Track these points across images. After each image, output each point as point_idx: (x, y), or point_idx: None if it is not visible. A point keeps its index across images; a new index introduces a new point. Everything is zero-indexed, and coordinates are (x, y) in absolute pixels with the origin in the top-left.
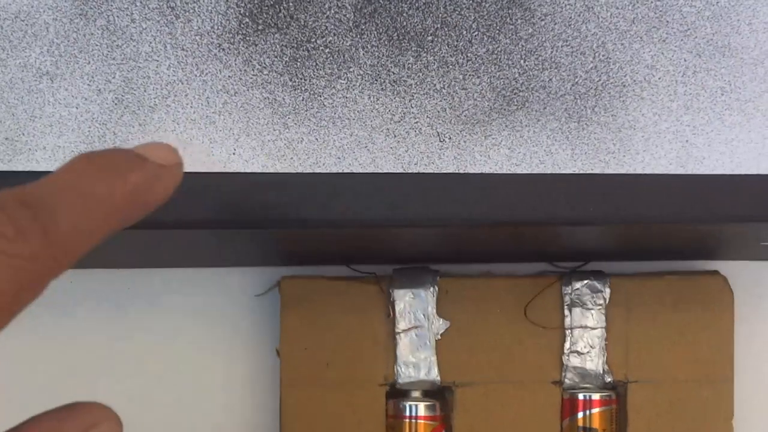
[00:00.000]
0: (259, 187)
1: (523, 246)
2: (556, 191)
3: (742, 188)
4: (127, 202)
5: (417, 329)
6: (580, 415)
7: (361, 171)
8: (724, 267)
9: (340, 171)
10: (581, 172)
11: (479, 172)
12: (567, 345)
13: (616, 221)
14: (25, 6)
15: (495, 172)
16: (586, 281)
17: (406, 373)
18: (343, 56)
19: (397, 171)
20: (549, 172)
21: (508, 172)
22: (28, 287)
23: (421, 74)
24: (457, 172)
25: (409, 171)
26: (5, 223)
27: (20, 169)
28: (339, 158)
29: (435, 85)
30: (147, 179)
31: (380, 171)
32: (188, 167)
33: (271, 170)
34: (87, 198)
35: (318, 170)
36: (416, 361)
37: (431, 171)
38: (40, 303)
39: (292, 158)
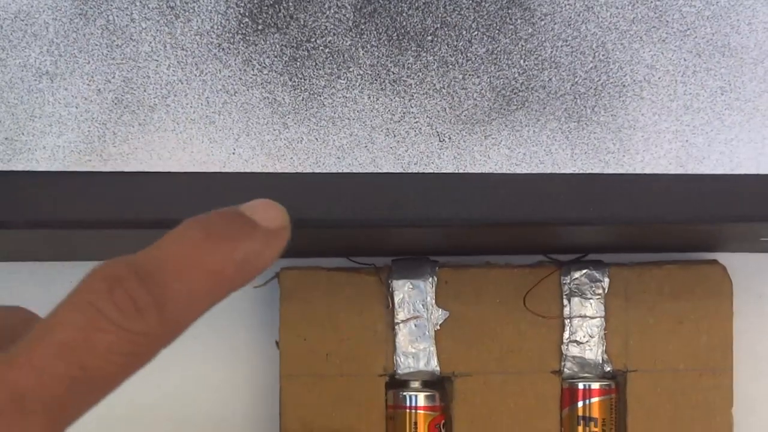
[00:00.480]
0: (259, 187)
1: (523, 242)
2: (556, 191)
3: (742, 188)
4: (237, 271)
5: (416, 320)
6: (580, 404)
7: (360, 171)
8: (723, 258)
9: (340, 171)
10: (581, 171)
11: (479, 171)
12: (566, 334)
13: (615, 221)
14: (24, 6)
15: (495, 172)
16: (585, 271)
17: (405, 364)
18: (343, 56)
19: (397, 171)
20: (549, 171)
21: (508, 171)
22: (139, 361)
23: (420, 74)
24: (456, 171)
25: (409, 171)
26: (125, 300)
27: (20, 168)
28: (339, 158)
29: (435, 84)
30: (258, 249)
31: (380, 171)
32: (188, 167)
33: (271, 170)
34: (198, 270)
35: (318, 170)
36: (415, 351)
37: (431, 171)
38: (40, 300)
39: (292, 158)
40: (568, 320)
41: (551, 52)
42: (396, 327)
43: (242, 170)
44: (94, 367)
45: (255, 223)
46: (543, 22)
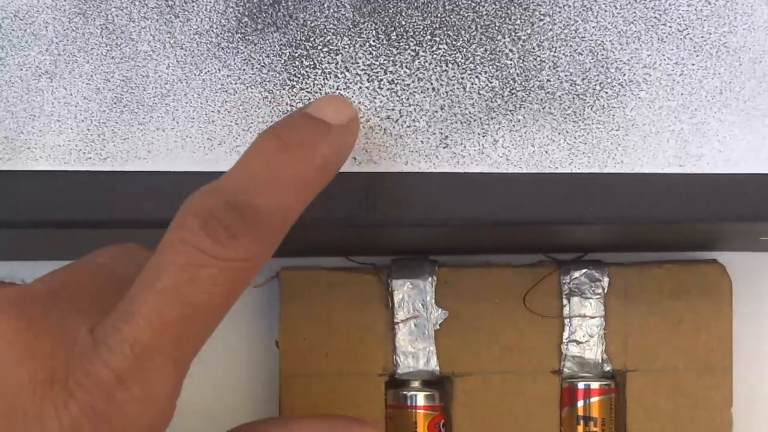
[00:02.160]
0: None
1: (522, 242)
2: (555, 191)
3: (741, 187)
4: (319, 174)
5: (416, 319)
6: (580, 403)
7: (359, 171)
8: (723, 258)
9: (339, 170)
10: (579, 171)
11: (477, 171)
12: (566, 334)
13: (614, 221)
14: (24, 5)
15: (493, 172)
16: (584, 270)
17: (405, 363)
18: (342, 55)
19: (395, 170)
20: (547, 171)
21: (507, 171)
22: (243, 285)
23: (419, 73)
24: (455, 171)
25: (407, 170)
26: (220, 230)
27: (19, 168)
28: None
29: (433, 84)
30: (334, 147)
31: (379, 171)
32: (187, 166)
33: None
34: (283, 183)
35: None
36: (415, 351)
37: (429, 170)
38: None
39: None
40: (568, 320)
41: (550, 52)
42: (396, 327)
43: None
44: (202, 302)
45: (326, 122)
46: (542, 22)
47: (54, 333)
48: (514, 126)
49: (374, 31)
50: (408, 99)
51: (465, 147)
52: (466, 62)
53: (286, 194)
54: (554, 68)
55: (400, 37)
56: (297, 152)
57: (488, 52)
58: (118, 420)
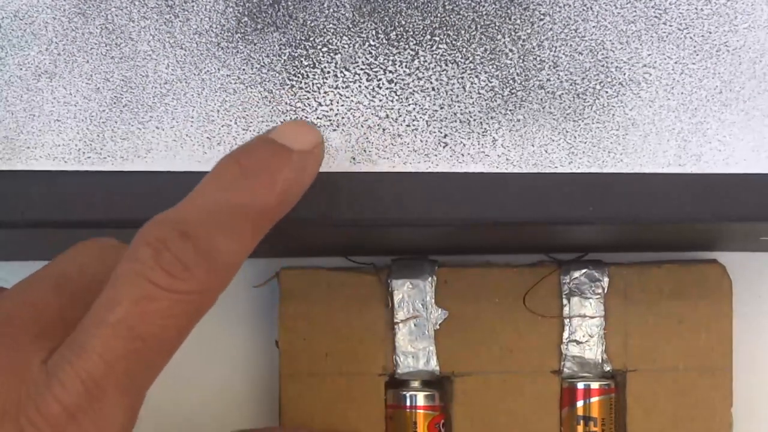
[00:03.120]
0: None
1: (522, 242)
2: (554, 190)
3: (741, 187)
4: (278, 202)
5: (416, 319)
6: (580, 404)
7: (358, 170)
8: (723, 258)
9: (339, 170)
10: (579, 171)
11: (477, 171)
12: (566, 334)
13: (615, 221)
14: (24, 5)
15: (493, 171)
16: (584, 270)
17: (405, 363)
18: (341, 55)
19: (395, 170)
20: (547, 171)
21: (506, 171)
22: (197, 317)
23: (419, 73)
24: (454, 171)
25: (407, 170)
26: (173, 262)
27: (19, 167)
28: (336, 157)
29: (433, 83)
30: (295, 173)
31: (378, 170)
32: (187, 166)
33: None
34: (240, 212)
35: None
36: (415, 351)
37: (428, 170)
38: None
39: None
40: (568, 320)
41: (550, 51)
42: (395, 326)
43: None
44: (154, 335)
45: (288, 148)
46: (542, 22)
47: (6, 365)
48: (513, 125)
49: (374, 31)
50: (407, 98)
51: (464, 146)
52: (466, 62)
53: (242, 223)
54: (554, 68)
55: (399, 36)
56: (256, 179)
57: (488, 52)
58: None
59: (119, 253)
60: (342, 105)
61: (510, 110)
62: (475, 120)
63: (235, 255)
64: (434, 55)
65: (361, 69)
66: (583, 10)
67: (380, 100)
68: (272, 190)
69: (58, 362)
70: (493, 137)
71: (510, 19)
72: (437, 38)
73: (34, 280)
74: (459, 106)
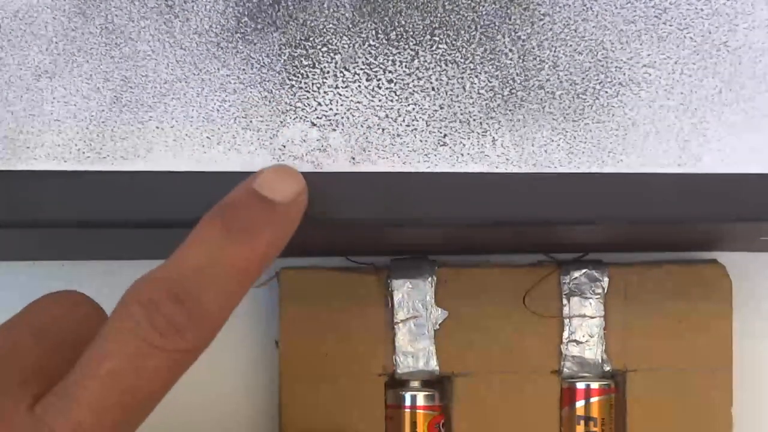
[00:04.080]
0: None
1: (522, 242)
2: (554, 190)
3: (741, 187)
4: (262, 260)
5: (415, 319)
6: (579, 404)
7: (357, 170)
8: (723, 258)
9: (338, 170)
10: (579, 171)
11: (476, 171)
12: (566, 334)
13: (615, 220)
14: (24, 4)
15: (492, 171)
16: (584, 270)
17: (404, 363)
18: (341, 54)
19: (394, 170)
20: (547, 171)
21: (506, 171)
22: (181, 372)
23: (419, 73)
24: (454, 171)
25: (406, 170)
26: (165, 324)
27: (19, 167)
28: (335, 158)
29: (432, 83)
30: (279, 229)
31: (377, 170)
32: (187, 166)
33: None
34: (226, 272)
35: (316, 170)
36: (415, 351)
37: (428, 170)
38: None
39: (290, 157)
40: (568, 320)
41: (550, 51)
42: (395, 326)
43: (241, 169)
44: (143, 388)
45: (271, 202)
46: (542, 22)
47: None
48: (513, 125)
49: (374, 31)
50: (407, 98)
51: (464, 146)
52: (466, 62)
53: (229, 283)
54: (554, 68)
55: (399, 36)
56: (240, 239)
57: (488, 52)
58: None
59: (93, 309)
60: (342, 105)
61: (510, 110)
62: (474, 120)
63: (223, 312)
64: (434, 55)
65: (361, 69)
66: (583, 10)
67: (380, 100)
68: (255, 250)
69: (48, 410)
70: (493, 137)
71: (510, 19)
72: (437, 38)
73: (11, 326)
74: (459, 106)
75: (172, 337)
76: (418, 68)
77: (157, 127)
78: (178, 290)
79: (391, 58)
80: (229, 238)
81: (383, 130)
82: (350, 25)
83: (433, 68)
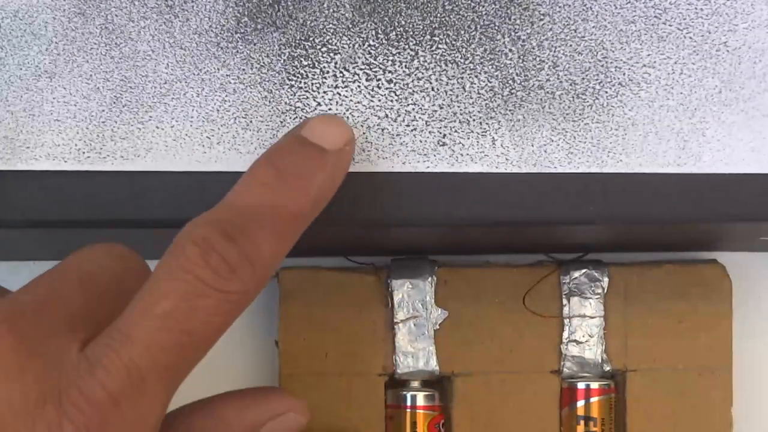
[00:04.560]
0: None
1: (522, 242)
2: (554, 190)
3: (741, 187)
4: (314, 204)
5: (415, 319)
6: (579, 403)
7: (357, 170)
8: (723, 258)
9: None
10: (579, 171)
11: (476, 171)
12: (565, 334)
13: (614, 220)
14: (24, 4)
15: (492, 171)
16: (584, 270)
17: (404, 363)
18: (341, 55)
19: (394, 170)
20: (546, 171)
21: (506, 171)
22: (237, 314)
23: (418, 73)
24: (453, 171)
25: (406, 170)
26: (220, 263)
27: (19, 167)
28: None
29: (432, 83)
30: (330, 175)
31: (377, 170)
32: (187, 166)
33: None
34: (279, 215)
35: None
36: (415, 351)
37: (427, 170)
38: None
39: None
40: (568, 320)
41: (550, 51)
42: (395, 326)
43: (241, 169)
44: (197, 331)
45: (322, 149)
46: (542, 22)
47: (45, 350)
48: (513, 125)
49: (373, 31)
50: (407, 98)
51: (464, 146)
52: (466, 62)
53: (282, 226)
54: (554, 68)
55: (399, 36)
56: (293, 183)
57: (488, 52)
58: None
59: (137, 261)
60: (341, 105)
61: (509, 110)
62: (474, 120)
63: (276, 257)
64: (434, 55)
65: (361, 69)
66: (583, 10)
67: (379, 100)
68: (308, 194)
69: (102, 349)
70: (493, 137)
71: (510, 19)
72: (437, 38)
73: (57, 273)
74: (458, 106)
75: (227, 277)
76: (417, 68)
77: (157, 127)
78: (233, 230)
79: (390, 58)
80: (282, 181)
81: (383, 130)
82: (350, 25)
83: (432, 68)
